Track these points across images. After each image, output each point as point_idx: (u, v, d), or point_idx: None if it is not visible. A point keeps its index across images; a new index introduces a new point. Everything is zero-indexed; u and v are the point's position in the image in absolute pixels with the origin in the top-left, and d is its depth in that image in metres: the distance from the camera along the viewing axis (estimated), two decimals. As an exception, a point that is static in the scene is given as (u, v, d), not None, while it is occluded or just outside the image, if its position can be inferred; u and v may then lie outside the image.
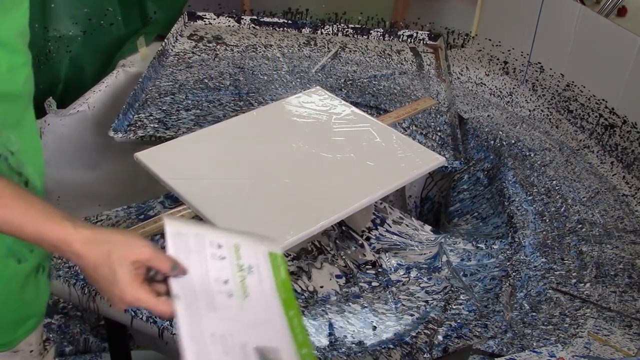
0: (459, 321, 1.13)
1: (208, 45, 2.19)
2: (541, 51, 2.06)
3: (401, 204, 1.88)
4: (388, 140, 1.41)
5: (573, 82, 1.94)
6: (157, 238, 1.20)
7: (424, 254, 1.30)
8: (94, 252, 0.68)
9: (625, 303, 1.31)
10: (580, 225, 1.52)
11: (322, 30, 2.36)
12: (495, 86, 2.13)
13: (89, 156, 2.03)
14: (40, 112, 1.92)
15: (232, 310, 0.72)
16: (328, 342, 1.07)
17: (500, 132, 1.83)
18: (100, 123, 1.95)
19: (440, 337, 1.09)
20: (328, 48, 2.24)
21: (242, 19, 2.36)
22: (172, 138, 1.47)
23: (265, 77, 2.00)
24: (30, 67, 0.82)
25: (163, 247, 0.71)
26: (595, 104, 1.86)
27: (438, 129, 1.78)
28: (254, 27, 2.36)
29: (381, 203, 1.36)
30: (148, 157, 1.29)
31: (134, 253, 0.69)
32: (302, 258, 1.22)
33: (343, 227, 1.30)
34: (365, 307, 1.16)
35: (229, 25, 2.36)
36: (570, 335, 1.21)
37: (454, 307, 1.17)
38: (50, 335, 1.53)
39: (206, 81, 1.94)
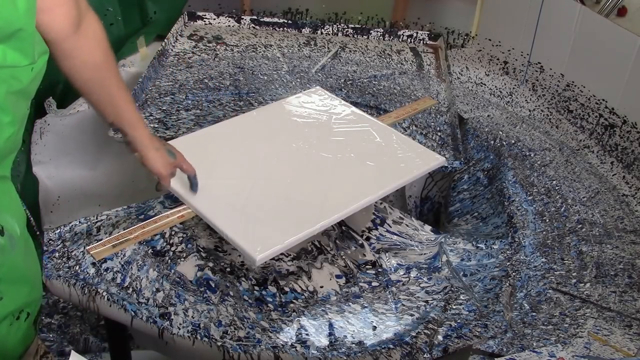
0: (459, 321, 1.13)
1: (208, 45, 2.19)
2: (541, 51, 2.06)
3: (401, 204, 1.88)
4: (388, 140, 1.41)
5: (573, 82, 1.94)
6: (157, 238, 1.20)
7: (424, 254, 1.30)
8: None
9: (625, 303, 1.31)
10: (580, 225, 1.52)
11: (322, 30, 2.36)
12: (495, 86, 2.13)
13: (89, 156, 2.03)
14: (40, 112, 1.92)
15: None
16: (328, 342, 1.07)
17: (500, 132, 1.83)
18: (100, 123, 1.94)
19: (440, 337, 1.09)
20: (328, 48, 2.24)
21: (242, 19, 2.36)
22: (172, 138, 1.47)
23: (265, 77, 2.00)
24: (18, 126, 0.83)
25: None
26: (595, 104, 1.86)
27: (438, 129, 1.78)
28: (254, 27, 2.36)
29: (381, 203, 1.36)
30: (148, 157, 1.29)
31: None
32: (302, 258, 1.22)
33: (343, 227, 1.30)
34: (365, 307, 1.16)
35: (229, 25, 2.36)
36: (570, 335, 1.21)
37: (454, 307, 1.17)
38: (49, 348, 1.53)
39: (206, 81, 1.94)
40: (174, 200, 1.27)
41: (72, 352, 0.68)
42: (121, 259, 1.16)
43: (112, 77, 1.04)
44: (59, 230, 1.22)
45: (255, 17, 2.36)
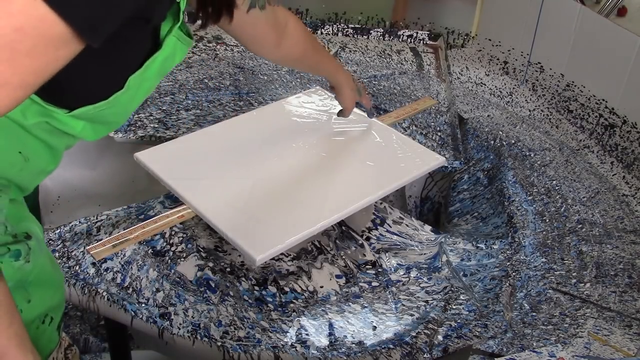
0: (459, 321, 1.13)
1: (208, 45, 2.19)
2: (541, 51, 2.06)
3: (401, 204, 1.88)
4: (388, 140, 1.41)
5: (573, 82, 1.94)
6: (157, 238, 1.20)
7: (424, 254, 1.30)
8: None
9: (625, 303, 1.31)
10: (580, 225, 1.52)
11: (322, 30, 2.36)
12: (495, 86, 2.13)
13: (89, 156, 2.03)
14: (40, 112, 1.92)
15: None
16: (328, 342, 1.07)
17: (500, 132, 1.83)
18: (100, 123, 1.94)
19: (440, 337, 1.09)
20: (328, 48, 2.24)
21: (242, 19, 2.36)
22: (172, 138, 1.47)
23: (265, 77, 2.00)
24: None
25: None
26: (595, 104, 1.86)
27: (438, 129, 1.78)
28: (254, 27, 2.36)
29: (381, 203, 1.36)
30: (148, 157, 1.30)
31: None
32: (302, 258, 1.22)
33: (343, 227, 1.30)
34: (365, 307, 1.16)
35: (229, 25, 2.36)
36: (570, 335, 1.21)
37: (454, 307, 1.17)
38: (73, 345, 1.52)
39: (206, 81, 1.94)
40: (174, 200, 1.27)
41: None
42: (121, 259, 1.16)
43: (315, 57, 1.26)
44: (59, 230, 1.22)
45: (255, 17, 2.36)
